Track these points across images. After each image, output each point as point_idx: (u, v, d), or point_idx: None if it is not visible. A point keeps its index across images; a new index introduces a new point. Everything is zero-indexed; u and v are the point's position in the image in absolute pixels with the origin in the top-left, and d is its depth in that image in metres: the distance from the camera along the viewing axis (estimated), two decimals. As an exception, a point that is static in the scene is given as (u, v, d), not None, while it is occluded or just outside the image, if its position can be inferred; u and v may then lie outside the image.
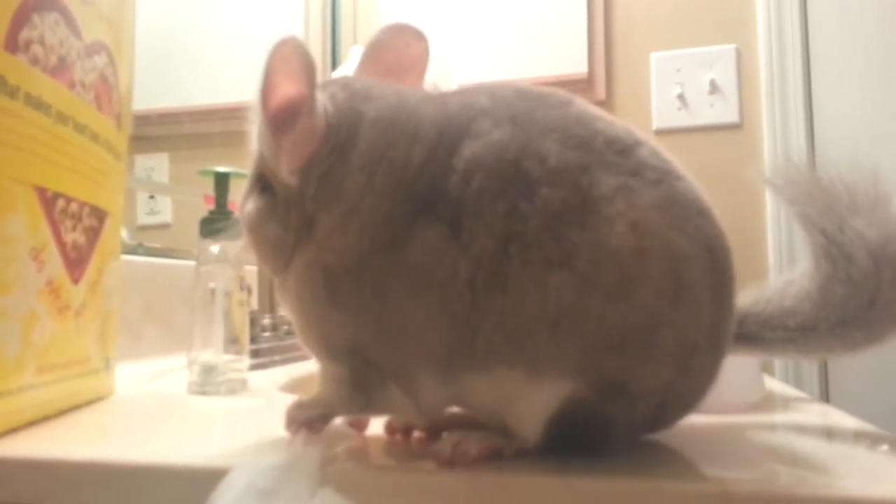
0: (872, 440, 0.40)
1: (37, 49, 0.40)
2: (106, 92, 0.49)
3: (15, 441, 0.38)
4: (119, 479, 0.34)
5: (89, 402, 0.49)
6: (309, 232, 0.34)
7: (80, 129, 0.45)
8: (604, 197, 0.30)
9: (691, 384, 0.34)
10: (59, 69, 0.42)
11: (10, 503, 0.34)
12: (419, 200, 0.32)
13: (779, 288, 0.42)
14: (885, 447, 0.37)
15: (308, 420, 0.35)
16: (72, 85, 0.44)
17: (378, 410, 0.37)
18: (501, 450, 0.33)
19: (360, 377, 0.35)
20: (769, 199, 1.27)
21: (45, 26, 0.41)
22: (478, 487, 0.30)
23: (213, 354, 0.57)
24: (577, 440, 0.33)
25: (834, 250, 0.38)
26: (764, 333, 0.40)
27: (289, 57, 0.33)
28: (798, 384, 1.19)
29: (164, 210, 1.01)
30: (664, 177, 0.32)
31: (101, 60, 0.48)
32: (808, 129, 1.27)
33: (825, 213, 0.39)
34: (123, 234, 0.86)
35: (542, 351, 0.31)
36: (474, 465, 0.31)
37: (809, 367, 1.21)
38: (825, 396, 1.22)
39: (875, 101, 1.25)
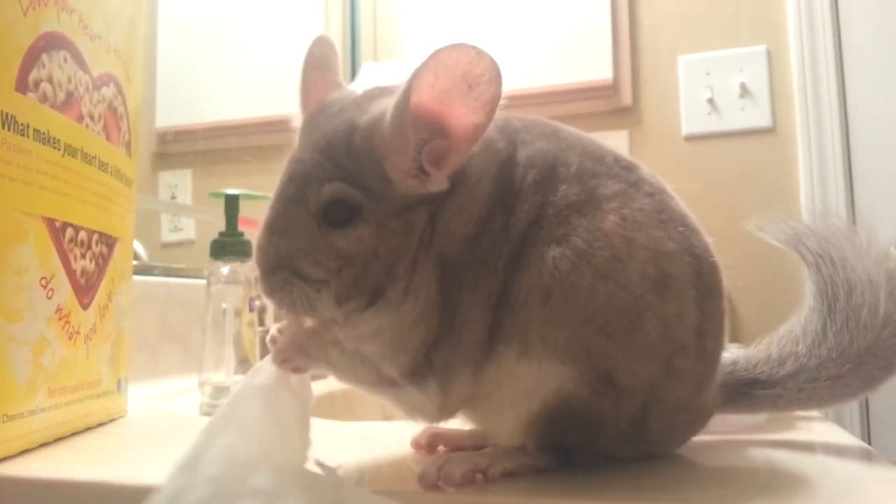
0: (865, 459, 0.39)
1: (46, 87, 0.42)
2: (115, 122, 0.51)
3: (26, 462, 0.39)
4: (123, 499, 0.35)
5: (102, 424, 0.50)
6: (432, 229, 0.35)
7: (88, 159, 0.47)
8: (605, 196, 0.36)
9: (676, 390, 0.35)
10: (68, 104, 0.44)
11: (20, 522, 0.36)
12: (501, 188, 0.36)
13: (779, 337, 0.44)
14: (873, 466, 0.37)
15: (296, 366, 0.36)
16: (80, 118, 0.46)
17: (404, 406, 0.37)
18: (486, 470, 0.33)
19: (414, 370, 0.35)
20: (805, 205, 1.22)
21: (54, 65, 0.43)
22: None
23: (224, 375, 0.58)
24: (564, 442, 0.34)
25: (830, 290, 0.41)
26: (760, 389, 0.42)
27: (494, 91, 0.33)
28: (838, 422, 1.15)
29: (188, 227, 1.04)
30: (658, 193, 0.37)
31: (109, 92, 0.50)
32: (844, 132, 1.22)
33: (821, 254, 0.42)
34: (142, 253, 0.89)
35: (534, 322, 0.34)
36: (460, 487, 0.32)
37: (850, 407, 1.17)
38: (867, 437, 1.17)
39: (915, 100, 1.19)
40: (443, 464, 0.33)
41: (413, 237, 0.34)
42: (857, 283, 0.40)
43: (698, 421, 0.39)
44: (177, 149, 1.08)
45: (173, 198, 1.06)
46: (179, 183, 1.07)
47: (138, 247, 0.89)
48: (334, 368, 0.37)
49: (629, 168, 0.38)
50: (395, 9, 1.50)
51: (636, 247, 0.34)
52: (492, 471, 0.33)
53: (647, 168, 0.39)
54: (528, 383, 0.34)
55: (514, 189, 0.36)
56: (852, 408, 1.17)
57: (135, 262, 0.86)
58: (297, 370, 0.36)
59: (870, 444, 1.17)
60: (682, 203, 0.39)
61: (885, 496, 0.32)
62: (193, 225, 1.04)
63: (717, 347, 0.37)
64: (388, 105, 0.33)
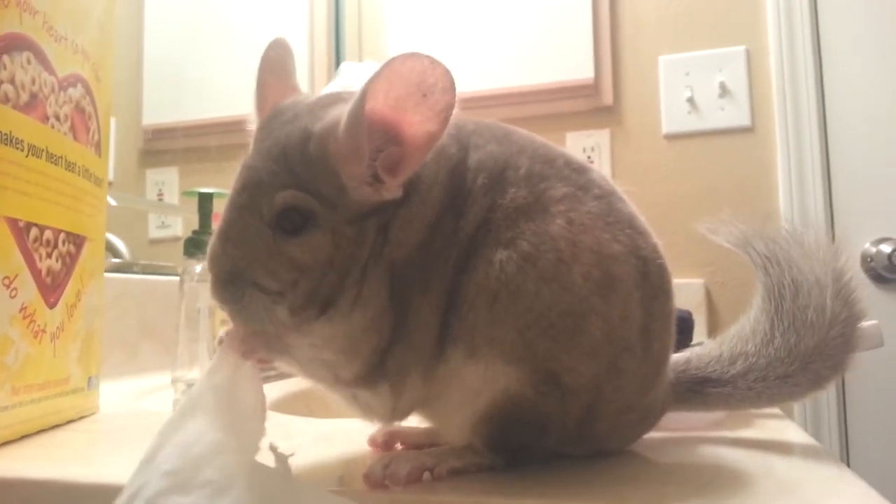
0: (812, 457, 0.40)
1: (7, 88, 0.42)
2: (82, 122, 0.51)
3: (-10, 459, 0.39)
4: (84, 497, 0.35)
5: (72, 421, 0.51)
6: (384, 238, 0.35)
7: (54, 159, 0.47)
8: (553, 199, 0.36)
9: (622, 390, 0.36)
10: (31, 105, 0.45)
11: (-20, 521, 0.36)
12: (451, 193, 0.36)
13: (729, 337, 0.45)
14: (819, 464, 0.38)
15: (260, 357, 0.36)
16: (45, 118, 0.46)
17: (360, 405, 0.38)
18: (433, 469, 0.34)
19: (367, 374, 0.36)
20: (783, 203, 1.24)
21: (16, 66, 0.43)
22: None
23: (198, 372, 0.59)
24: (511, 441, 0.35)
25: (777, 290, 0.42)
26: (711, 387, 0.42)
27: (448, 100, 0.33)
28: (817, 436, 1.16)
29: (175, 224, 1.04)
30: (607, 196, 0.38)
31: (76, 92, 0.50)
32: (822, 131, 1.23)
33: (769, 255, 0.42)
34: (123, 251, 0.90)
35: (480, 324, 0.34)
36: (406, 486, 0.33)
37: (829, 416, 1.18)
38: (845, 452, 1.19)
39: (890, 100, 1.21)
40: (389, 462, 0.33)
41: (365, 246, 0.35)
42: (804, 283, 0.41)
43: (647, 420, 0.40)
44: (163, 146, 1.08)
45: (160, 195, 1.07)
46: (166, 180, 1.07)
47: (120, 244, 0.90)
48: (295, 362, 0.37)
49: (579, 171, 0.38)
50: (380, 8, 1.50)
51: (581, 249, 0.35)
52: (438, 469, 0.34)
53: (599, 172, 0.40)
54: (475, 383, 0.35)
55: (465, 193, 0.36)
56: (829, 404, 1.19)
57: (116, 260, 0.87)
58: (261, 361, 0.36)
59: (847, 440, 1.19)
60: (633, 205, 0.39)
61: (825, 494, 0.33)
62: (180, 222, 1.04)
63: (664, 347, 0.38)
64: (342, 112, 0.33)
